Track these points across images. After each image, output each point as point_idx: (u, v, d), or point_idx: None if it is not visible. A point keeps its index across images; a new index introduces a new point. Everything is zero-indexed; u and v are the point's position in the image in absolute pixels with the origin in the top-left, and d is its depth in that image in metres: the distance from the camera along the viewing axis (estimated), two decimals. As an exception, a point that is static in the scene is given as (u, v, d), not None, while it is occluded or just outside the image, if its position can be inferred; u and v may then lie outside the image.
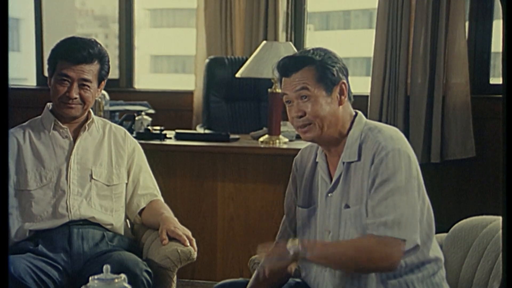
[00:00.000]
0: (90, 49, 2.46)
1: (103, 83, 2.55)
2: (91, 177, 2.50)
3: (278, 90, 3.63)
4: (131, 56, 5.29)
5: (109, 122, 2.67)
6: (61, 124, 2.52)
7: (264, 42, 3.79)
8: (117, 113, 4.02)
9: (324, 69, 1.99)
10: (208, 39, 4.90)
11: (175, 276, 2.39)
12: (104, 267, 1.72)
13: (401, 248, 1.86)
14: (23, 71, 6.43)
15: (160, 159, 3.57)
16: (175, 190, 3.63)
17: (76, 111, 2.49)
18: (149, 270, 2.29)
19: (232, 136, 3.77)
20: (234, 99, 4.54)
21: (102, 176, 2.53)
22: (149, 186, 2.63)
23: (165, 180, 3.48)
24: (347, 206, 1.98)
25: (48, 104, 2.57)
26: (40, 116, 2.56)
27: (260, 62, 3.64)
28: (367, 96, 4.62)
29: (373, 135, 1.97)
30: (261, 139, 3.71)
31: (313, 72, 1.98)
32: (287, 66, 2.01)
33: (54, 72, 2.47)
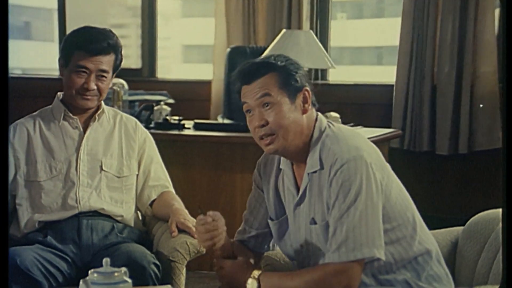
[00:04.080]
0: (109, 39, 2.42)
1: (114, 74, 2.51)
2: (101, 169, 2.47)
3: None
4: (153, 46, 5.28)
5: (120, 112, 2.64)
6: (71, 115, 2.49)
7: (284, 30, 3.73)
8: (137, 103, 4.00)
9: (288, 75, 1.89)
10: (229, 28, 4.85)
11: (184, 269, 2.35)
12: (104, 260, 1.70)
13: (358, 268, 1.81)
14: (56, 61, 6.48)
15: (179, 150, 3.54)
16: (194, 181, 3.60)
17: (92, 102, 2.45)
18: (157, 262, 2.27)
19: (251, 127, 3.73)
20: (255, 89, 4.49)
21: (112, 167, 2.49)
22: (160, 177, 2.59)
23: (184, 171, 3.46)
24: (314, 222, 1.91)
25: (58, 93, 2.54)
26: (50, 106, 2.53)
27: (279, 52, 3.58)
28: (392, 86, 4.53)
29: (329, 143, 1.88)
30: (280, 129, 3.66)
31: (276, 78, 1.88)
32: (249, 72, 1.91)
33: (69, 62, 2.43)
